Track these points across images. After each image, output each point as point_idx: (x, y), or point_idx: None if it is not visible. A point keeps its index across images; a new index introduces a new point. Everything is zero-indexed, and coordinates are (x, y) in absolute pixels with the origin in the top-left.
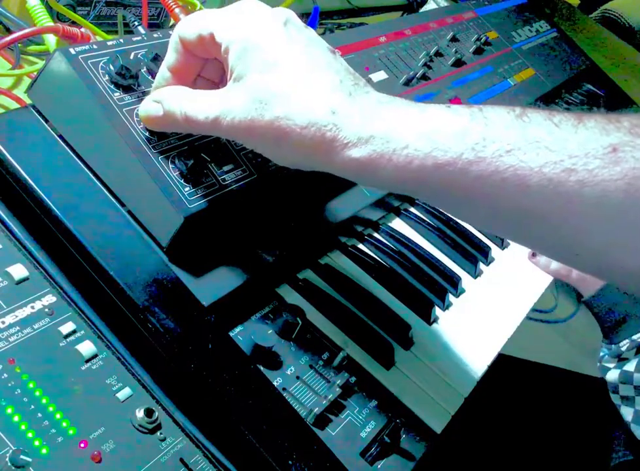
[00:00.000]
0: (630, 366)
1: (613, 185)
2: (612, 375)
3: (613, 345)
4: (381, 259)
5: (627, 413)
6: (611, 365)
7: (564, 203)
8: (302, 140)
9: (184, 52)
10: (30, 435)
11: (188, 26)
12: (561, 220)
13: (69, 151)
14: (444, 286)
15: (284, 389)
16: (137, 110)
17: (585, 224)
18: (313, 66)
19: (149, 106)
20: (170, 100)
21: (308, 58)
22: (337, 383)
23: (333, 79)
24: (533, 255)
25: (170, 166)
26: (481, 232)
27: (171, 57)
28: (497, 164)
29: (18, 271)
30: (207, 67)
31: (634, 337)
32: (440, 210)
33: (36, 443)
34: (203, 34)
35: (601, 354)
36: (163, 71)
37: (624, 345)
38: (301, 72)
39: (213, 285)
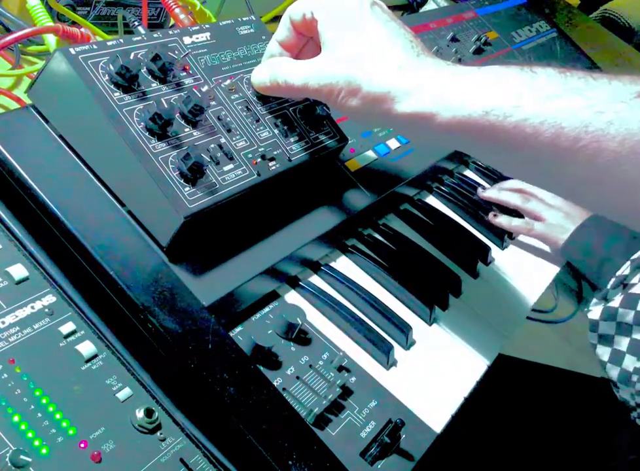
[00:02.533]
0: (615, 302)
1: (636, 125)
2: (595, 314)
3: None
4: (382, 259)
5: (603, 353)
6: (595, 307)
7: (592, 141)
8: (370, 94)
9: (292, 29)
10: (30, 435)
11: (296, 7)
12: (590, 158)
13: (69, 151)
14: (444, 287)
15: (284, 389)
16: (251, 78)
17: (611, 160)
18: (390, 35)
19: (260, 75)
20: (275, 69)
21: (387, 30)
22: (338, 383)
23: (405, 44)
24: (494, 215)
25: (170, 166)
26: (481, 232)
27: (281, 33)
28: (535, 109)
29: (18, 271)
30: (307, 47)
31: (618, 273)
32: (434, 208)
33: (36, 443)
34: (306, 13)
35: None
36: (273, 44)
37: (610, 283)
38: (379, 40)
39: (213, 285)
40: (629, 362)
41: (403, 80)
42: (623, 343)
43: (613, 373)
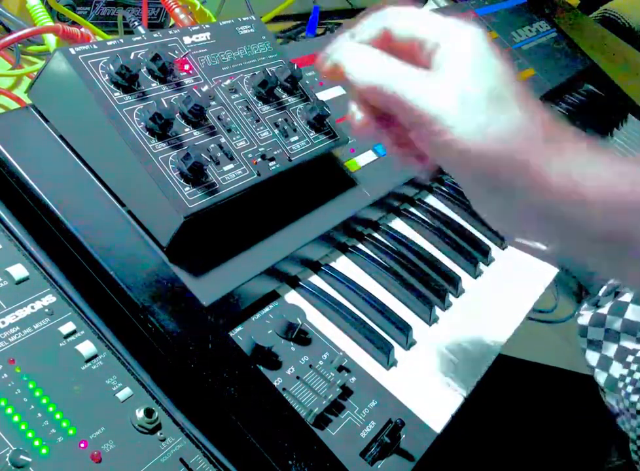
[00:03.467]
0: (604, 309)
1: None
2: (584, 319)
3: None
4: (382, 259)
5: (592, 358)
6: (586, 312)
7: None
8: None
9: (384, 37)
10: (30, 435)
11: (404, 24)
12: None
13: (69, 151)
14: (444, 287)
15: (284, 389)
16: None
17: None
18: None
19: (369, 68)
20: (390, 71)
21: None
22: (338, 383)
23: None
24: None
25: (170, 166)
26: (481, 232)
27: (367, 34)
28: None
29: (18, 271)
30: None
31: (610, 281)
32: (439, 211)
33: (36, 443)
34: (416, 37)
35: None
36: (346, 38)
37: (602, 291)
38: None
39: (213, 285)
40: (616, 368)
41: (543, 147)
42: (611, 350)
43: (601, 378)
